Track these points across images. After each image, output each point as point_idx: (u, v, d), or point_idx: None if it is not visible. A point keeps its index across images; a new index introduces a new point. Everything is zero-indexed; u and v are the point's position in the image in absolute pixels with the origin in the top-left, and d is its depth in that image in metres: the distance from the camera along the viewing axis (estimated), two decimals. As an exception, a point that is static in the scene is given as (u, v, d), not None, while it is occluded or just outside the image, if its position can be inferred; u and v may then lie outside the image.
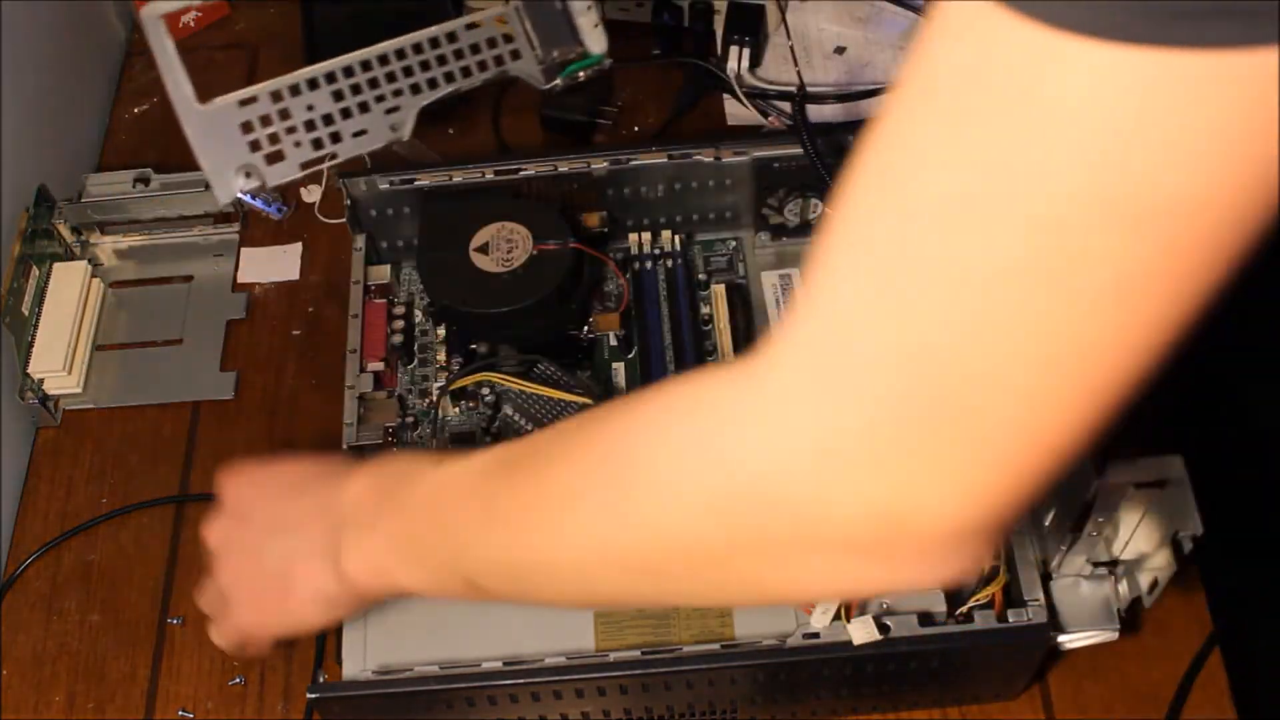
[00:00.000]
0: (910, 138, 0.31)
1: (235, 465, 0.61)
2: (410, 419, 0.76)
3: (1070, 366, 0.31)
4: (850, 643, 0.60)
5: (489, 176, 0.79)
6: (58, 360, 0.80)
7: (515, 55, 0.66)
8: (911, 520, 0.34)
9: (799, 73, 0.91)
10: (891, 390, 0.33)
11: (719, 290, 0.79)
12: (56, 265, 0.84)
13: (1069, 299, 0.30)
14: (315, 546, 0.56)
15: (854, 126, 0.81)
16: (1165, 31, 0.26)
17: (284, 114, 0.64)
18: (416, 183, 0.79)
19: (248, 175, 0.63)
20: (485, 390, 0.75)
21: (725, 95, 0.92)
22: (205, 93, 0.98)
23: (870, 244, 0.33)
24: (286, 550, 0.57)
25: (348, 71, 0.66)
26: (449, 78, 0.68)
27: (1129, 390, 0.32)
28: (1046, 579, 0.62)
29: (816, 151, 0.77)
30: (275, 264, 0.86)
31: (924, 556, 0.36)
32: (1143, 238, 0.29)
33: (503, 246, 0.75)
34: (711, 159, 0.79)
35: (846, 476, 0.35)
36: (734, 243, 0.83)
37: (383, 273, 0.80)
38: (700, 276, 0.81)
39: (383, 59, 0.66)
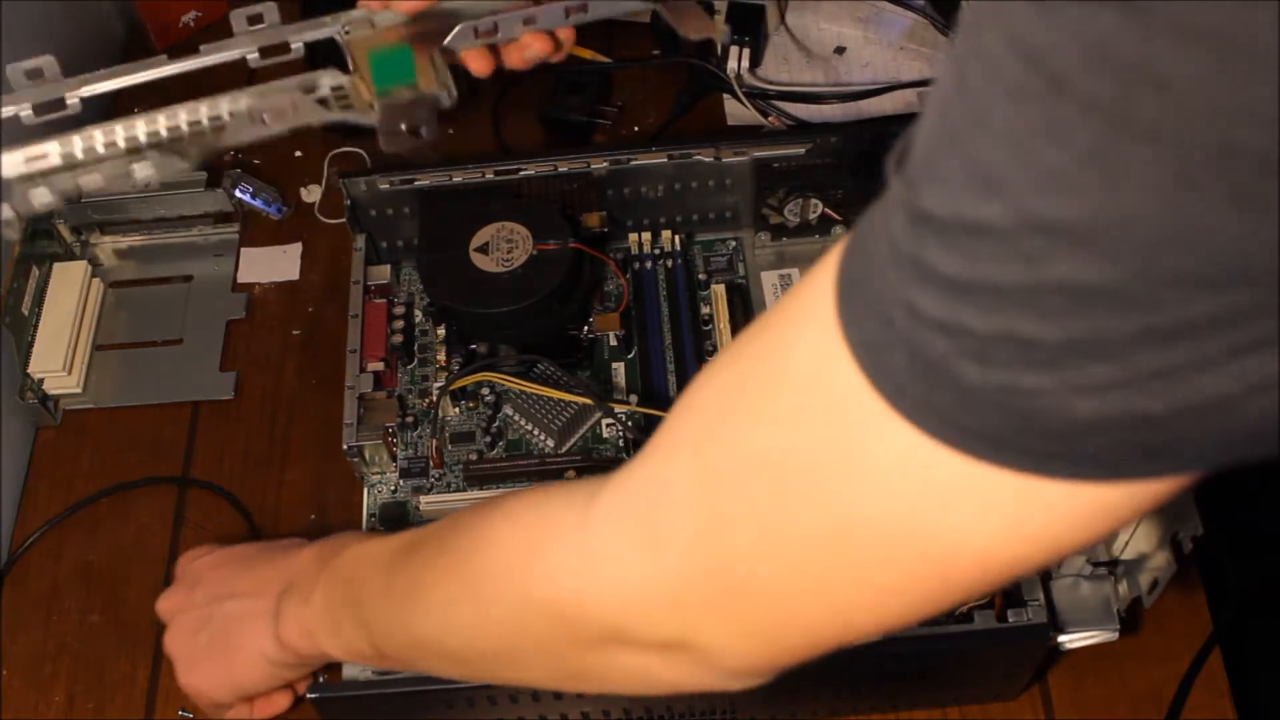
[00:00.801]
0: (754, 403, 0.36)
1: (195, 548, 0.67)
2: (410, 419, 0.76)
3: (831, 597, 0.37)
4: (850, 643, 0.60)
5: (489, 176, 0.79)
6: (58, 360, 0.80)
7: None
8: (696, 653, 0.40)
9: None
10: (692, 560, 0.38)
11: (719, 290, 0.79)
12: (56, 265, 0.84)
13: (836, 569, 0.36)
14: (260, 610, 0.60)
15: (854, 127, 0.81)
16: (969, 444, 0.31)
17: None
18: (416, 183, 0.79)
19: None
20: (485, 390, 0.75)
21: (725, 95, 0.92)
22: (205, 92, 0.98)
23: (703, 449, 0.38)
24: (232, 614, 0.62)
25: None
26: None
27: (880, 623, 0.38)
28: (1046, 579, 0.62)
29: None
30: (275, 264, 0.86)
31: (708, 676, 0.42)
32: (915, 564, 0.35)
33: (503, 246, 0.75)
34: (711, 159, 0.79)
35: (647, 613, 0.40)
36: (734, 243, 0.83)
37: (383, 273, 0.80)
38: (700, 276, 0.81)
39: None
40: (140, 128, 0.60)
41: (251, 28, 0.61)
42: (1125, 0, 0.25)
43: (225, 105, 0.61)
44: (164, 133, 0.60)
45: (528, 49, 0.64)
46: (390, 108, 0.60)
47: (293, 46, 0.61)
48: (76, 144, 0.58)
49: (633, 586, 0.40)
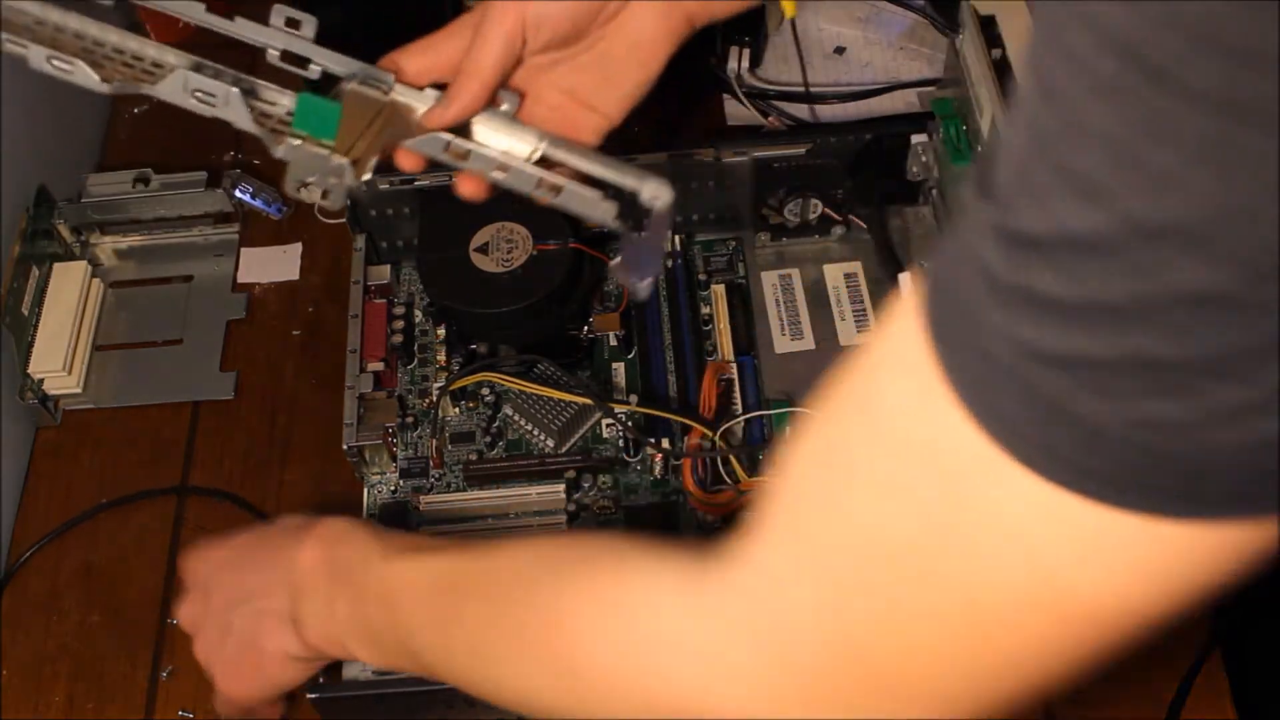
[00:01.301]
0: (857, 470, 0.34)
1: (192, 548, 0.65)
2: (410, 419, 0.76)
3: (968, 671, 0.34)
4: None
5: (489, 176, 0.79)
6: (58, 360, 0.80)
7: None
8: None
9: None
10: (817, 657, 0.36)
11: (719, 290, 0.79)
12: (56, 265, 0.84)
13: (971, 642, 0.33)
14: (275, 610, 0.59)
15: (854, 126, 0.81)
16: (1094, 488, 0.29)
17: None
18: (416, 183, 0.78)
19: None
20: (485, 390, 0.75)
21: (725, 95, 0.92)
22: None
23: (807, 531, 0.36)
24: (252, 618, 0.60)
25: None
26: None
27: (1036, 690, 0.35)
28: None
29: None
30: (275, 264, 0.86)
31: None
32: (1050, 624, 0.32)
33: (503, 246, 0.75)
34: (711, 159, 0.79)
35: (776, 711, 0.37)
36: (734, 243, 0.83)
37: (383, 273, 0.80)
38: (700, 276, 0.81)
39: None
40: None
41: (286, 29, 0.60)
42: None
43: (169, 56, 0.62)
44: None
45: (472, 185, 0.63)
46: (298, 156, 0.59)
47: (311, 66, 0.61)
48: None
49: (758, 688, 0.37)
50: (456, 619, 0.51)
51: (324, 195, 0.60)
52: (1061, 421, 0.28)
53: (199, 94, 0.60)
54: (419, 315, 0.80)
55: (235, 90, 0.59)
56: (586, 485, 0.73)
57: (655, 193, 0.62)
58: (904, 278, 0.73)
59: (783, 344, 0.78)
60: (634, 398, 0.74)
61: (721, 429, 0.72)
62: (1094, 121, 0.26)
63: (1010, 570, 0.31)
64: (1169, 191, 0.25)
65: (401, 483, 0.74)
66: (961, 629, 0.33)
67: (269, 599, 0.59)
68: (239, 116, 0.60)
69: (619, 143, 0.91)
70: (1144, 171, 0.25)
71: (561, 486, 0.72)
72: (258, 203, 0.88)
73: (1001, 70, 0.69)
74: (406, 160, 0.61)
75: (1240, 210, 0.24)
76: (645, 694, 0.41)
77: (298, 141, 0.59)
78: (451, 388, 0.75)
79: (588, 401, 0.73)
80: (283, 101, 0.61)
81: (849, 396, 0.35)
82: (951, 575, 0.32)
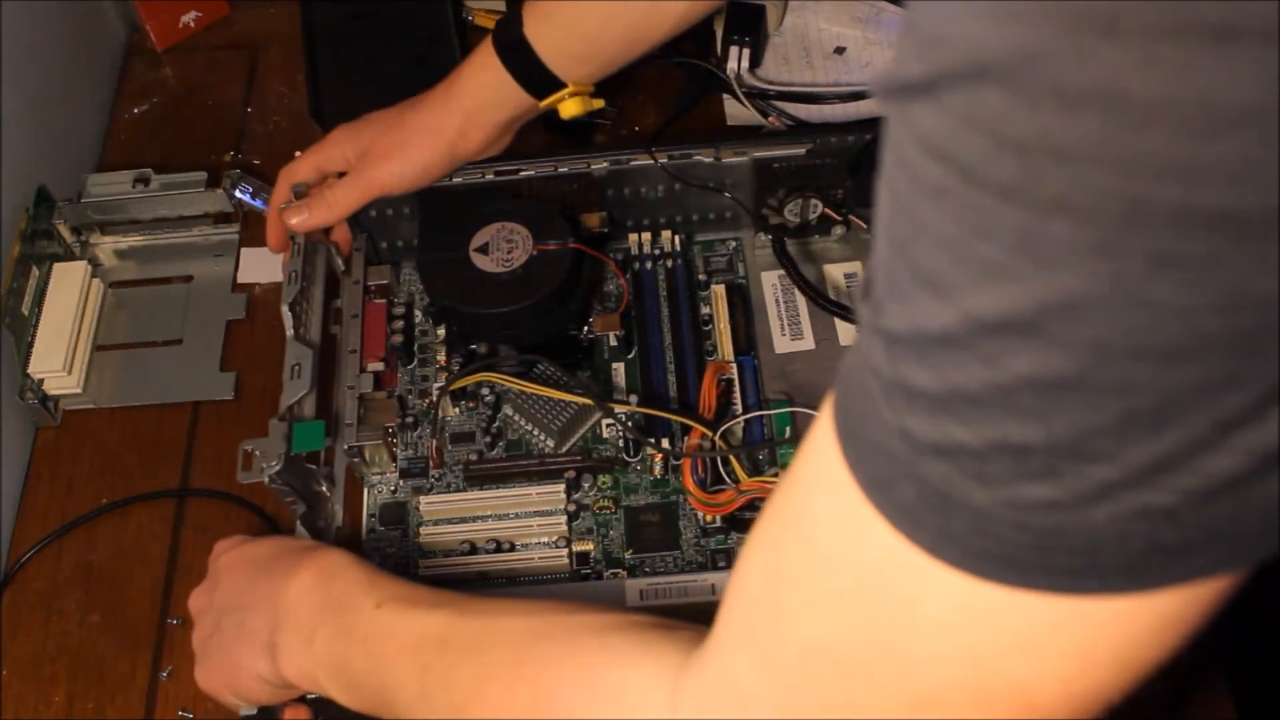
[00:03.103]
0: (796, 585, 0.36)
1: (228, 539, 0.67)
2: (410, 419, 0.76)
3: None
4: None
5: (489, 177, 0.79)
6: (58, 360, 0.80)
7: None
8: None
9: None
10: None
11: (719, 290, 0.79)
12: (56, 265, 0.84)
13: None
14: (257, 630, 0.60)
15: (854, 127, 0.81)
16: (996, 572, 0.30)
17: None
18: (416, 183, 0.79)
19: None
20: (485, 390, 0.75)
21: (725, 95, 0.92)
22: (205, 92, 0.99)
23: (761, 643, 0.37)
24: (235, 629, 0.61)
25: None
26: None
27: None
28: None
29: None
30: (275, 264, 0.86)
31: None
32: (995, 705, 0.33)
33: (503, 246, 0.75)
34: (711, 159, 0.79)
35: None
36: (734, 243, 0.83)
37: (383, 273, 0.80)
38: (700, 276, 0.81)
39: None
40: None
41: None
42: (1003, 77, 0.24)
43: None
44: None
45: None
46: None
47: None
48: None
49: None
50: (441, 680, 0.51)
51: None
52: (952, 509, 0.29)
53: None
54: (419, 315, 0.80)
55: None
56: (586, 485, 0.73)
57: None
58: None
59: (783, 344, 0.78)
60: (634, 398, 0.74)
61: (721, 429, 0.72)
62: (931, 222, 0.27)
63: (945, 664, 0.32)
64: (999, 284, 0.26)
65: (401, 483, 0.74)
66: None
67: (254, 616, 0.60)
68: None
69: (619, 143, 0.91)
70: (976, 267, 0.26)
71: (561, 486, 0.72)
72: (258, 203, 0.88)
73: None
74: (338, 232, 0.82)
75: (1060, 297, 0.25)
76: None
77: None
78: (451, 388, 0.75)
79: (588, 401, 0.73)
80: None
81: (781, 512, 0.37)
82: (892, 674, 0.33)
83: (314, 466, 0.72)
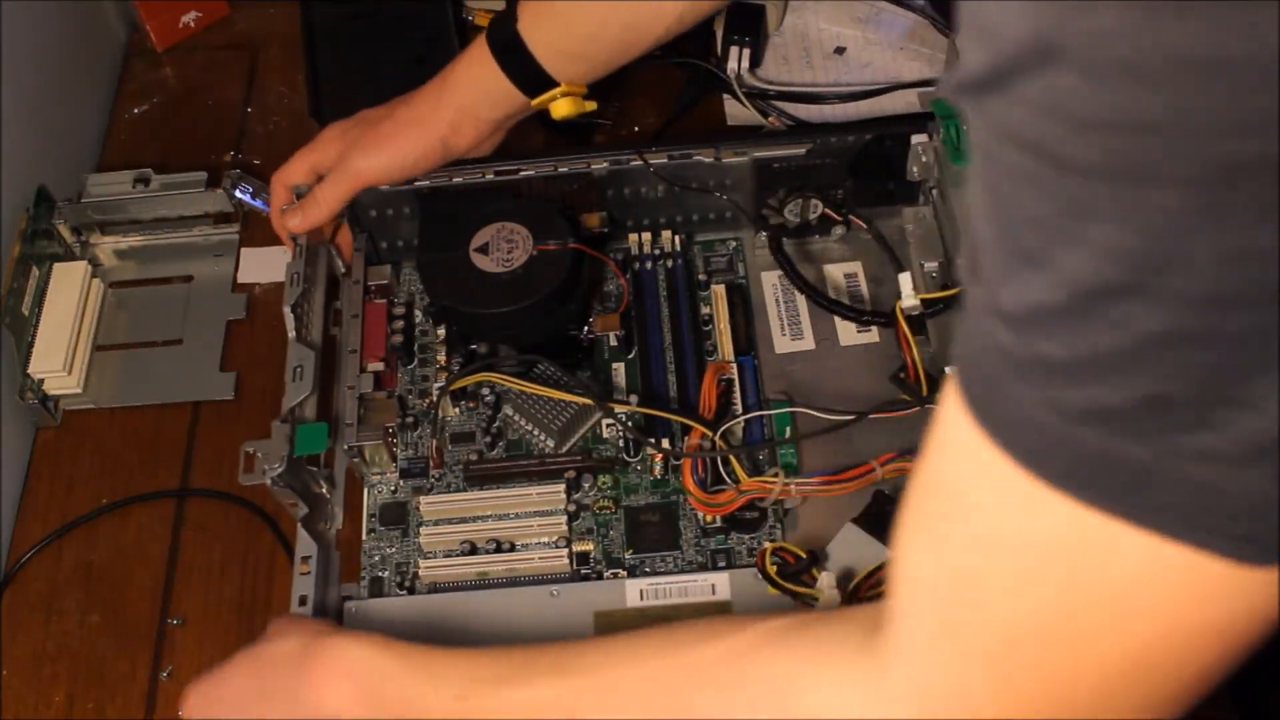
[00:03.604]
0: (979, 576, 0.36)
1: (188, 689, 0.60)
2: (410, 419, 0.76)
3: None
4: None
5: (489, 177, 0.79)
6: (58, 360, 0.80)
7: None
8: None
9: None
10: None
11: (719, 290, 0.79)
12: (56, 265, 0.84)
13: (1135, 693, 0.35)
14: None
15: (854, 127, 0.81)
16: (1178, 528, 0.31)
17: None
18: (416, 183, 0.79)
19: None
20: (485, 390, 0.75)
21: (725, 95, 0.92)
22: (205, 92, 0.99)
23: (964, 635, 0.37)
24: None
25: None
26: None
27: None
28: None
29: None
30: (275, 264, 0.86)
31: None
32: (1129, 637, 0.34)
33: (503, 246, 0.75)
34: (711, 159, 0.79)
35: None
36: (734, 243, 0.83)
37: (383, 273, 0.80)
38: (700, 276, 0.81)
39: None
40: None
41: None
42: (1073, 59, 0.25)
43: None
44: None
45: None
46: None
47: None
48: None
49: None
50: None
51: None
52: (1117, 468, 0.30)
53: None
54: (419, 315, 0.80)
55: None
56: (586, 485, 0.73)
57: None
58: (904, 278, 0.73)
59: (783, 344, 0.78)
60: (634, 398, 0.74)
61: (721, 429, 0.72)
62: (1029, 207, 0.29)
63: (1143, 621, 0.33)
64: (1100, 254, 0.28)
65: (401, 483, 0.74)
66: (1130, 685, 0.35)
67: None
68: None
69: (619, 143, 0.91)
70: (1075, 242, 0.28)
71: (561, 486, 0.72)
72: (258, 203, 0.88)
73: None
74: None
75: (1171, 256, 0.27)
76: None
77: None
78: (451, 388, 0.75)
79: (588, 401, 0.73)
80: None
81: (937, 510, 0.37)
82: (1095, 640, 0.34)
83: (314, 468, 0.72)
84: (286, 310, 0.73)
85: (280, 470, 0.67)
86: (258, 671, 0.58)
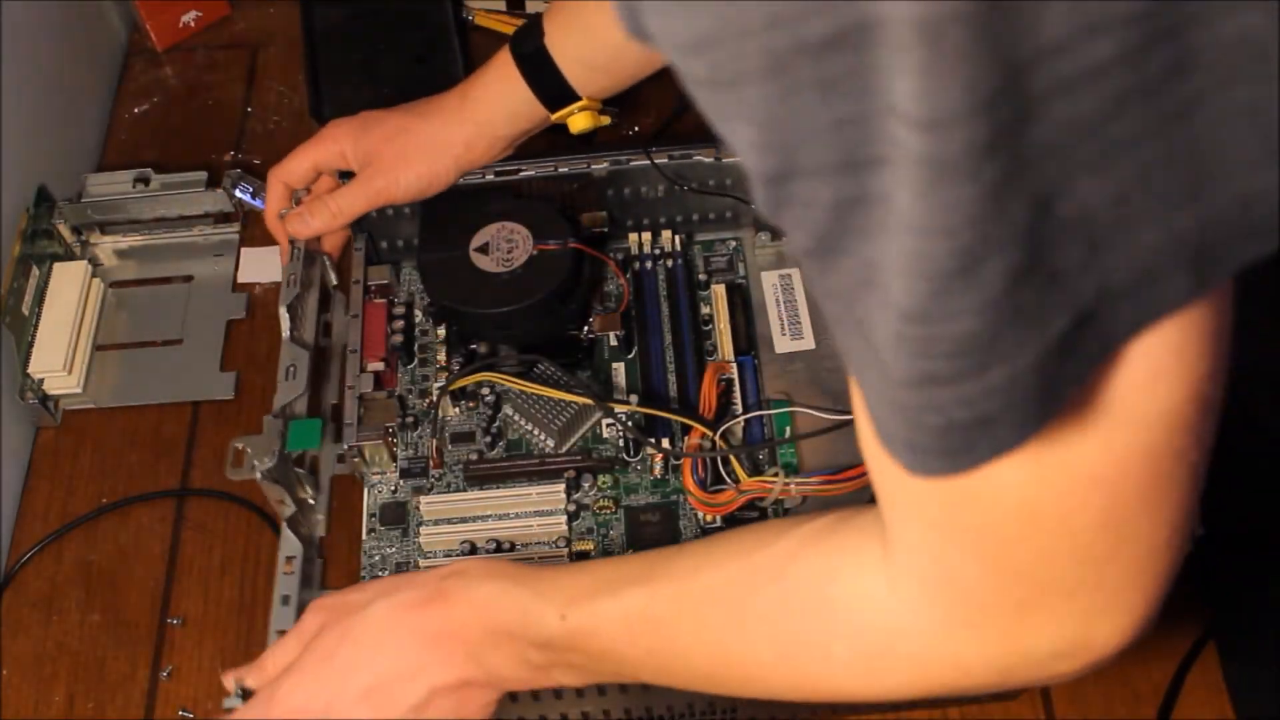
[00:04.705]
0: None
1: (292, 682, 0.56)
2: (410, 419, 0.76)
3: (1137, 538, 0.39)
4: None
5: (489, 177, 0.79)
6: (58, 360, 0.80)
7: None
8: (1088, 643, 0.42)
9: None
10: (978, 575, 0.41)
11: (719, 290, 0.79)
12: (56, 265, 0.84)
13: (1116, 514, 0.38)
14: (458, 680, 0.55)
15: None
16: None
17: None
18: (416, 183, 0.78)
19: None
20: (485, 390, 0.75)
21: (725, 95, 0.92)
22: (205, 92, 0.99)
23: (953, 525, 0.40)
24: (418, 699, 0.55)
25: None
26: None
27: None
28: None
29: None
30: (275, 264, 0.86)
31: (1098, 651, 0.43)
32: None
33: (503, 246, 0.75)
34: (711, 159, 0.79)
35: (972, 638, 0.42)
36: (734, 243, 0.83)
37: (383, 273, 0.80)
38: (700, 276, 0.81)
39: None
40: None
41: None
42: (653, 5, 0.29)
43: None
44: None
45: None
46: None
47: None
48: None
49: (940, 619, 0.42)
50: (672, 655, 0.52)
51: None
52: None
53: None
54: (419, 315, 0.80)
55: None
56: (586, 485, 0.73)
57: None
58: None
59: (783, 344, 0.78)
60: (634, 398, 0.74)
61: (721, 429, 0.72)
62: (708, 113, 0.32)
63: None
64: (750, 151, 0.31)
65: (401, 483, 0.74)
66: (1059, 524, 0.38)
67: (436, 678, 0.55)
68: None
69: (619, 143, 0.91)
70: (735, 139, 0.32)
71: (561, 486, 0.72)
72: (258, 203, 0.88)
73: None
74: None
75: (783, 140, 0.30)
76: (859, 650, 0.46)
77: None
78: (451, 388, 0.75)
79: (588, 401, 0.73)
80: None
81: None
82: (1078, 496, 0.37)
83: (300, 470, 0.72)
84: (282, 310, 0.73)
85: (271, 464, 0.67)
86: (325, 651, 0.56)
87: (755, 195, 0.32)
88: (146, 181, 0.86)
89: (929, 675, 0.45)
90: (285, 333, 0.73)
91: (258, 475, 0.67)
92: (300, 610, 0.66)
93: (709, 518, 0.71)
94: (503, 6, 0.98)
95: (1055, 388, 0.32)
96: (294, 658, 0.58)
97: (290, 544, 0.68)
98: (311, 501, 0.74)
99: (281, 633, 0.63)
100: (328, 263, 0.80)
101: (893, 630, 0.44)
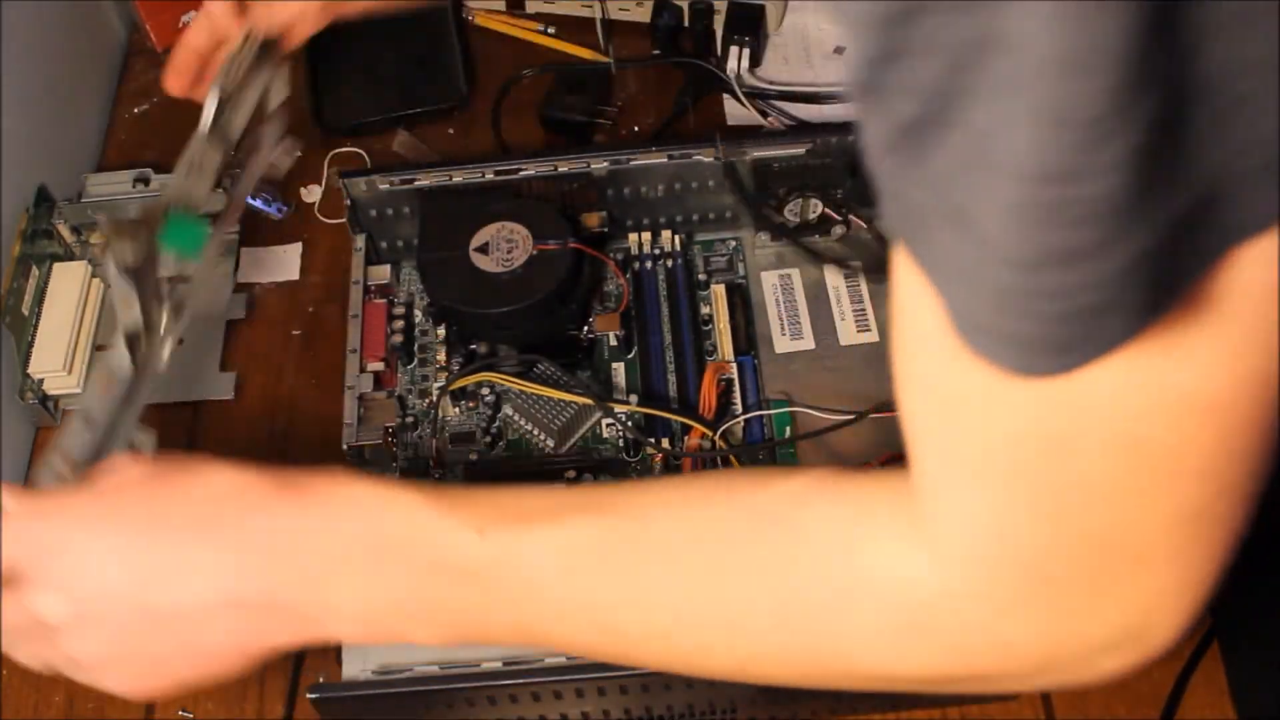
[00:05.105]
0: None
1: (21, 514, 0.49)
2: (410, 419, 0.76)
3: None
4: (850, 643, 0.59)
5: (489, 176, 0.79)
6: (58, 360, 0.80)
7: None
8: (1137, 642, 0.39)
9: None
10: (1045, 542, 0.37)
11: (719, 290, 0.79)
12: (56, 265, 0.84)
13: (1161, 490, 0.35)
14: (260, 606, 0.47)
15: (854, 126, 0.81)
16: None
17: None
18: (416, 183, 0.79)
19: None
20: (485, 390, 0.75)
21: (725, 95, 0.92)
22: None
23: (1020, 483, 0.36)
24: (202, 611, 0.47)
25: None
26: None
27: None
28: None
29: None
30: (275, 264, 0.86)
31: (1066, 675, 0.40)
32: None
33: (503, 246, 0.75)
34: (711, 159, 0.79)
35: (1026, 617, 0.38)
36: (734, 243, 0.83)
37: (383, 273, 0.80)
38: (700, 276, 0.81)
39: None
40: None
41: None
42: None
43: None
44: None
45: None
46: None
47: None
48: None
49: (998, 591, 0.38)
50: (625, 604, 0.44)
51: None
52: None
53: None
54: (419, 315, 0.80)
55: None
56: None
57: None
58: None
59: (783, 344, 0.78)
60: (634, 398, 0.74)
61: (721, 429, 0.72)
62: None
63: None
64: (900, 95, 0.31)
65: (401, 483, 0.74)
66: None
67: (247, 591, 0.47)
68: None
69: (619, 143, 0.91)
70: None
71: (562, 486, 0.72)
72: (258, 203, 0.88)
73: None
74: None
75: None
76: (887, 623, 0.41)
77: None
78: (451, 388, 0.75)
79: (588, 401, 0.73)
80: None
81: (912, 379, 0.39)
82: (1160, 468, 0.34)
83: (169, 287, 0.61)
84: (211, 94, 0.63)
85: (131, 258, 0.54)
86: (158, 509, 0.49)
87: (855, 76, 0.30)
88: (146, 181, 0.86)
89: (965, 657, 0.40)
90: (204, 125, 0.64)
91: (111, 269, 0.55)
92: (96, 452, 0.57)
93: (709, 518, 0.71)
94: (503, 6, 0.98)
95: (1172, 277, 0.30)
96: (82, 497, 0.50)
97: (120, 361, 0.58)
98: (162, 333, 0.62)
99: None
100: (280, 82, 0.72)
101: (930, 603, 0.39)
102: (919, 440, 0.38)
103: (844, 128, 0.81)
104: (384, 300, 0.79)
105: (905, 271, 0.35)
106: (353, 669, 0.62)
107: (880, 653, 0.41)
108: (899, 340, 0.37)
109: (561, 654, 0.50)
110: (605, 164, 0.79)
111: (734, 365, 0.76)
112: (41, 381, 0.80)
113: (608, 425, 0.75)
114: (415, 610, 0.47)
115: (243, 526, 0.48)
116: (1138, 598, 0.37)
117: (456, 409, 0.76)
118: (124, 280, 0.56)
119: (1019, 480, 0.36)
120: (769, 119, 0.90)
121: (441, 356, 0.77)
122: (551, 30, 0.97)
